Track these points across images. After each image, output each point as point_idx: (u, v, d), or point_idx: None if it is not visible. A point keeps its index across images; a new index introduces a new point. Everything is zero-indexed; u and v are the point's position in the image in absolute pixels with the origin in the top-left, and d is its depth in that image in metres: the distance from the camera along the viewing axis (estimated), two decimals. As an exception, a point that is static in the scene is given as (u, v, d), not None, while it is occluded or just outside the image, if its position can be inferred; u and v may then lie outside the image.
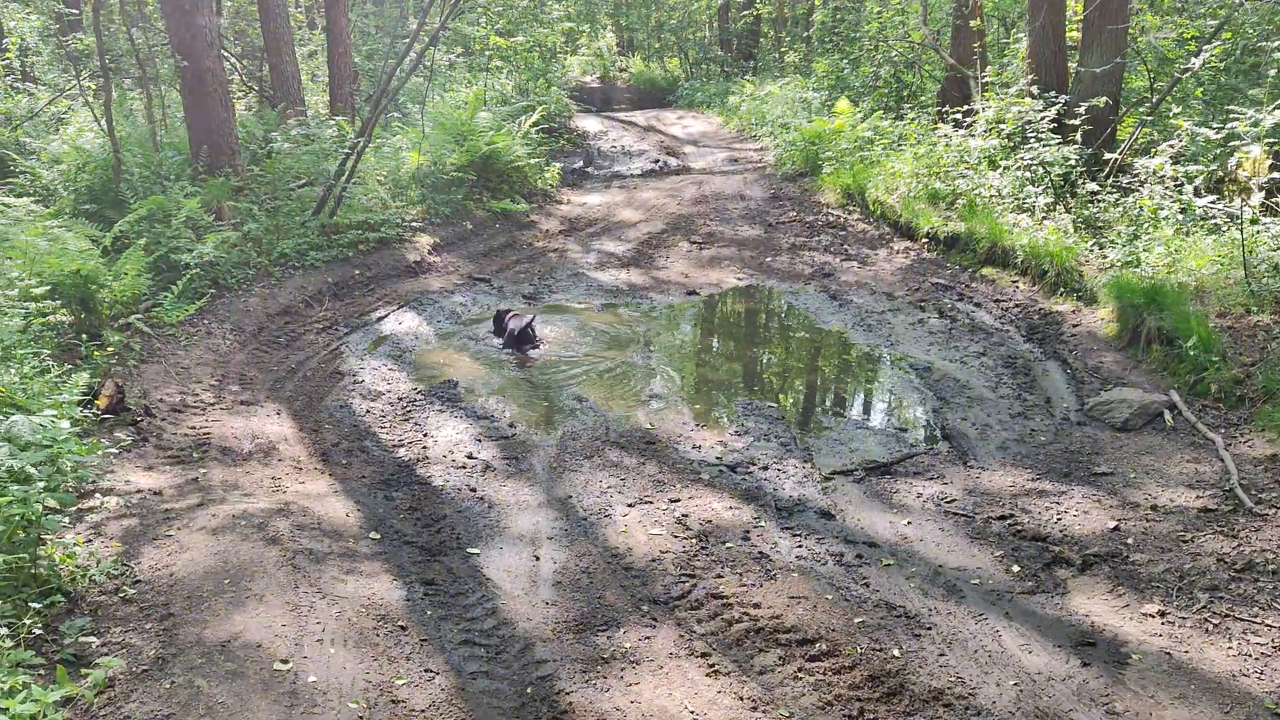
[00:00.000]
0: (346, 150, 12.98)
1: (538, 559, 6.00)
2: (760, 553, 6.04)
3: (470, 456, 7.63)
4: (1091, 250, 11.68)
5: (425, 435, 8.08)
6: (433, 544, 6.13)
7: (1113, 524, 6.32)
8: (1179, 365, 8.87)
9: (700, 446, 7.90)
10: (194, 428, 7.86)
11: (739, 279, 13.02)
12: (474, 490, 6.99)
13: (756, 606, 5.38)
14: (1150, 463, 7.35)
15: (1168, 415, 8.12)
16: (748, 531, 6.35)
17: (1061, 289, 11.35)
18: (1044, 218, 12.82)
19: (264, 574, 5.47)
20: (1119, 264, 11.30)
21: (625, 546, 6.15)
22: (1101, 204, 12.65)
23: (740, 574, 5.76)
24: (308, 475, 7.13)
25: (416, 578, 5.67)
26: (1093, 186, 12.66)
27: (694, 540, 6.20)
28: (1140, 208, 12.05)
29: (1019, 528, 6.35)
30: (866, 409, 9.00)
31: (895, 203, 14.75)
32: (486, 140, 15.54)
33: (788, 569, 5.85)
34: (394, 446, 7.83)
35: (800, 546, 6.15)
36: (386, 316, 11.28)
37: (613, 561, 5.96)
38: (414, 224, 13.57)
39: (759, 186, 17.30)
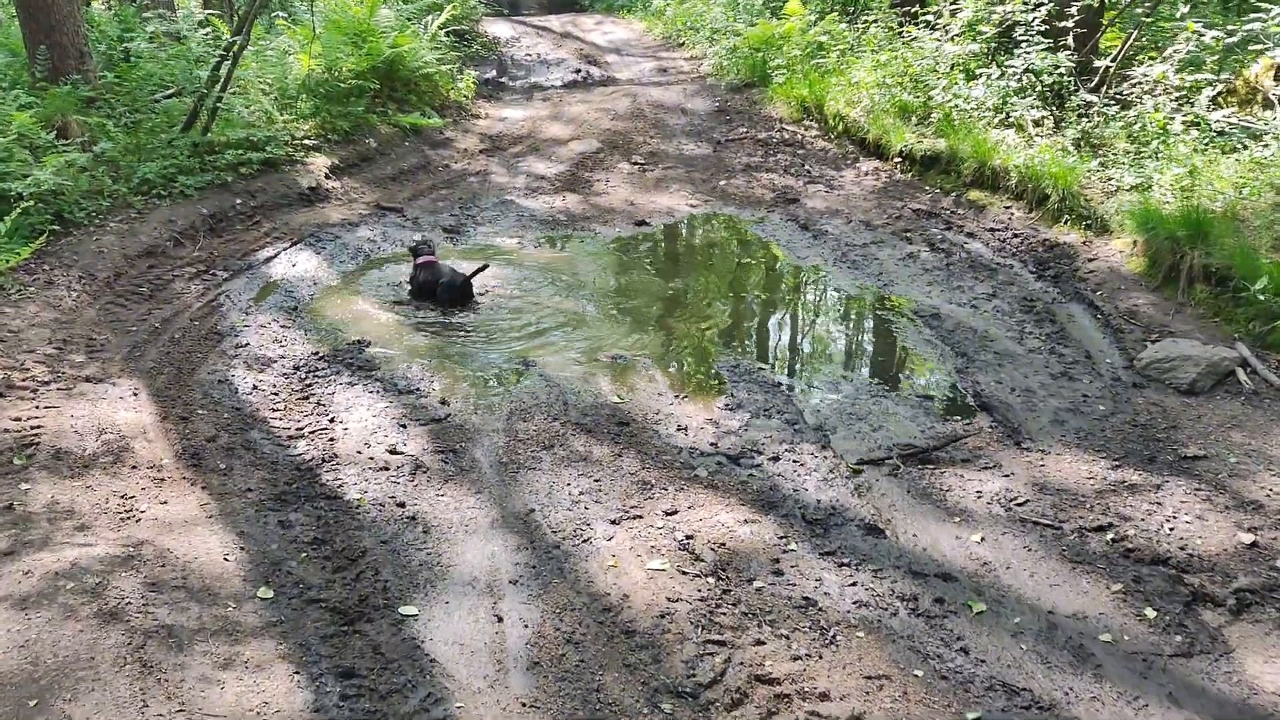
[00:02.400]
0: (221, 53, 10.69)
1: (500, 620, 4.31)
2: (804, 597, 4.46)
3: (394, 450, 5.85)
4: (1094, 172, 10.25)
5: (332, 420, 6.25)
6: (349, 602, 4.37)
7: (1247, 537, 4.90)
8: (1236, 311, 7.52)
9: (687, 428, 6.25)
10: (17, 420, 5.88)
11: (692, 205, 11.29)
12: (402, 506, 5.23)
13: (824, 698, 3.80)
14: (1245, 440, 5.98)
15: (1241, 374, 6.77)
16: (777, 560, 4.76)
17: (1066, 216, 9.92)
18: (1033, 134, 11.34)
19: (95, 681, 3.66)
20: (1129, 188, 9.92)
21: (619, 592, 4.50)
22: (1098, 118, 11.21)
23: (787, 636, 4.18)
24: (172, 490, 5.26)
25: (329, 666, 3.92)
26: (1088, 98, 11.19)
27: (710, 579, 4.58)
28: (1145, 123, 10.65)
29: (1127, 545, 4.90)
30: (877, 371, 7.45)
31: (859, 117, 13.10)
32: (389, 43, 13.31)
33: (848, 624, 4.28)
34: (291, 438, 5.99)
35: (854, 584, 4.59)
36: (276, 257, 9.25)
37: (605, 620, 4.31)
38: (307, 142, 11.41)
39: (701, 99, 15.44)
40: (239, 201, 10.09)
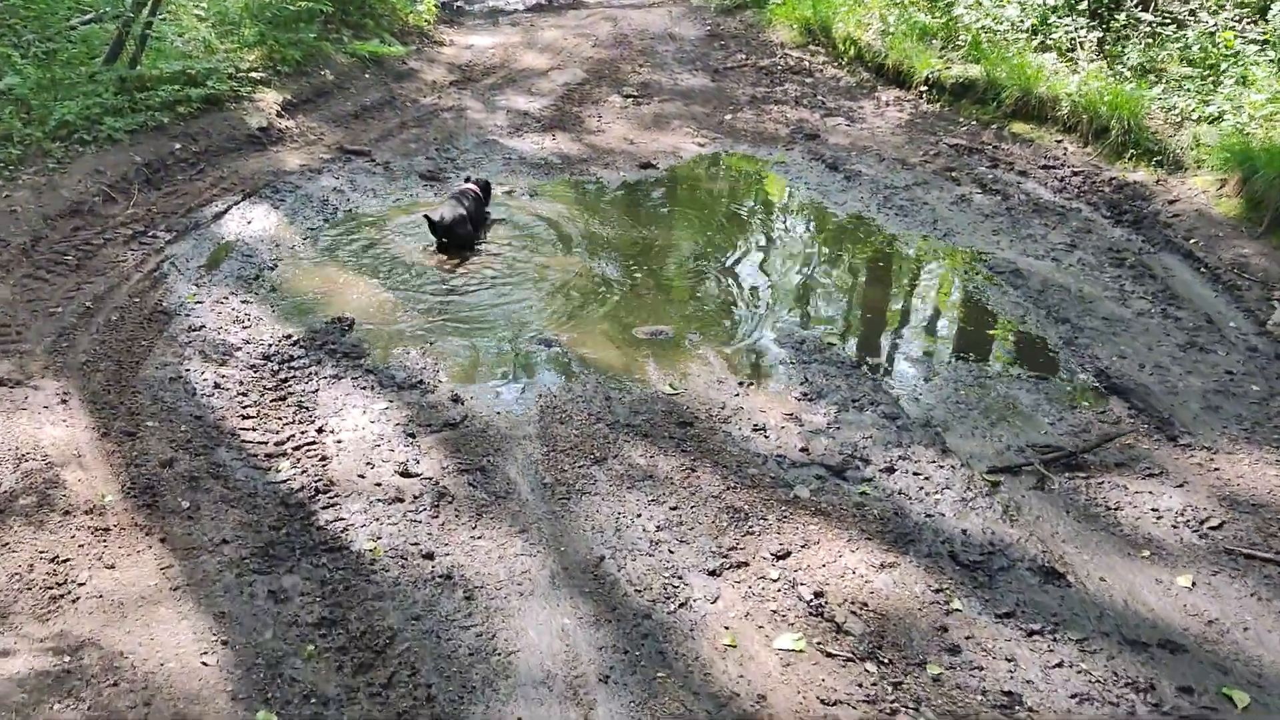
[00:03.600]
0: (146, -32, 9.04)
1: (603, 748, 3.10)
2: (1004, 692, 3.31)
3: (405, 472, 4.57)
4: (1156, 99, 9.10)
5: (320, 429, 4.94)
6: (385, 725, 3.13)
7: None
8: (1374, 264, 6.48)
9: (764, 427, 5.05)
10: (-95, 445, 4.49)
11: (700, 144, 9.95)
12: (431, 558, 3.97)
13: None
14: None
15: (1403, 341, 5.73)
16: (943, 629, 3.62)
17: (1131, 152, 8.79)
18: (1079, 58, 10.15)
19: None
20: (1200, 119, 8.80)
21: (750, 690, 3.33)
22: (1151, 39, 10.04)
23: (1005, 761, 3.03)
24: (121, 545, 3.94)
25: None
26: (1141, 15, 10.00)
27: (867, 665, 3.43)
28: (1210, 43, 9.50)
29: (1385, 588, 3.82)
30: (968, 343, 6.27)
31: (874, 41, 11.78)
32: (342, -41, 11.64)
33: (1078, 733, 3.15)
34: (270, 457, 4.68)
35: (1060, 664, 3.46)
36: (228, 212, 7.78)
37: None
38: (253, 75, 9.81)
39: (689, 23, 13.97)
40: (178, 146, 8.54)
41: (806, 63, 12.21)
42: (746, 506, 4.34)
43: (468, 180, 7.88)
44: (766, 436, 4.97)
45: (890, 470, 4.65)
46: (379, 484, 4.47)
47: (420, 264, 7.03)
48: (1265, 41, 9.12)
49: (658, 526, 4.19)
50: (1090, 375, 5.63)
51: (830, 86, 11.57)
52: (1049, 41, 10.43)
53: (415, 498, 4.36)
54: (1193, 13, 10.25)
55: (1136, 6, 10.54)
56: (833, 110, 10.83)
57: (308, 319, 6.16)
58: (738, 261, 7.34)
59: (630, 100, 11.17)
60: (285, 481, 4.46)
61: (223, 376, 5.40)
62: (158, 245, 7.07)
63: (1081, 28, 10.33)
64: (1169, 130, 8.86)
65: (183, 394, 5.19)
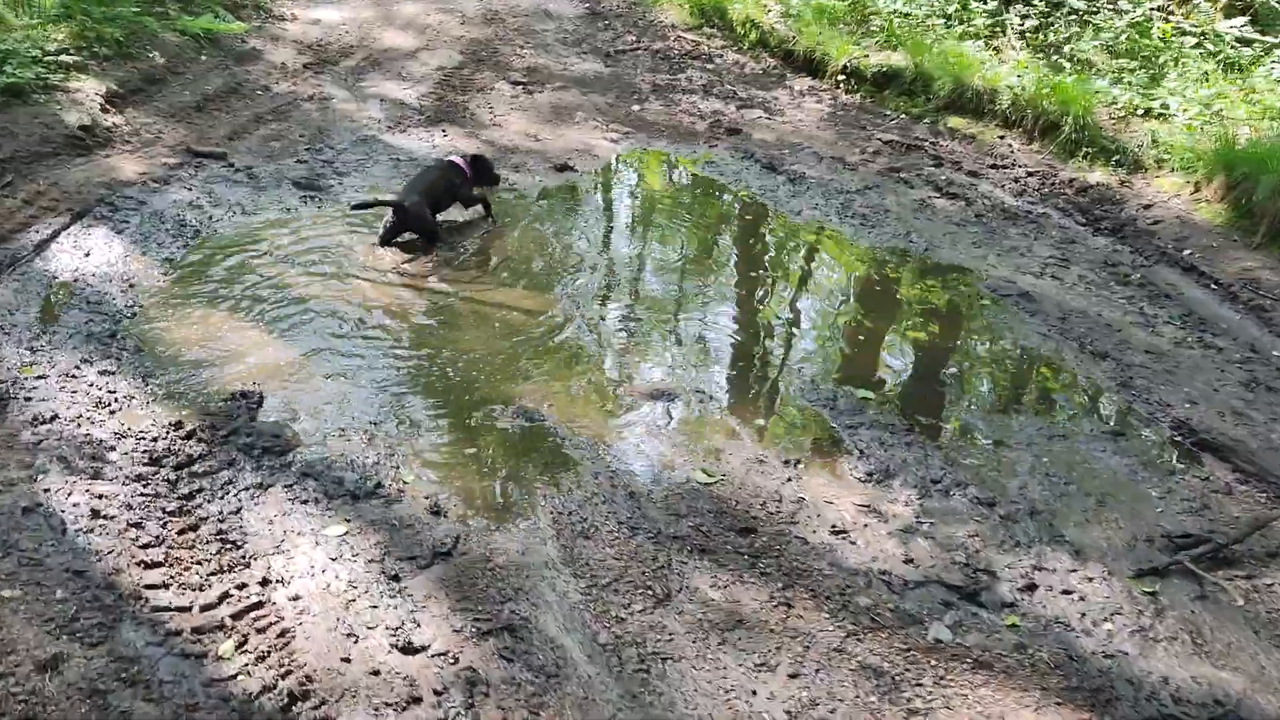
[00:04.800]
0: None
1: None
2: None
3: (407, 648, 3.26)
4: (1099, 95, 8.60)
5: (265, 580, 3.53)
6: None
7: None
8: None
9: (843, 528, 4.01)
10: None
11: (612, 140, 8.75)
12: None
13: None
14: None
15: None
16: None
17: (1086, 150, 8.22)
18: (1004, 46, 9.58)
19: None
20: (1142, 113, 8.35)
21: None
22: (1078, 28, 9.58)
23: None
24: None
25: None
26: (1078, 4, 9.51)
27: None
28: (1140, 34, 9.10)
29: None
30: (1016, 390, 5.41)
31: (778, 25, 10.87)
32: (161, -85, 9.67)
33: None
34: (202, 635, 3.24)
35: None
36: (55, 240, 6.03)
37: None
38: (64, 58, 7.87)
39: (565, 0, 12.65)
40: (-25, 153, 6.63)
41: (704, 47, 11.16)
42: (885, 664, 3.28)
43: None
44: (853, 542, 3.93)
45: (1031, 588, 3.70)
46: (377, 673, 3.13)
47: (324, 301, 5.57)
48: (1201, 33, 8.77)
49: (789, 713, 3.07)
50: (1169, 428, 4.87)
51: (736, 74, 10.58)
52: (970, 28, 9.79)
53: (438, 694, 3.06)
54: (1111, 3, 9.86)
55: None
56: (746, 101, 9.84)
57: (199, 394, 4.65)
58: (713, 290, 6.23)
59: (520, 88, 9.81)
60: (238, 680, 3.06)
61: (100, 499, 3.86)
62: (-37, 293, 5.30)
63: (1002, 14, 9.74)
64: (1116, 126, 8.35)
65: (48, 534, 3.64)
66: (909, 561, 3.83)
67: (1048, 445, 4.69)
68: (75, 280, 5.62)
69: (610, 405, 4.82)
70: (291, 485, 4.05)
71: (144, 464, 4.11)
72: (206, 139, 7.86)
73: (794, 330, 5.87)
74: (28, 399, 4.48)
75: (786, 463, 4.43)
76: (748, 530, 3.96)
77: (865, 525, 4.03)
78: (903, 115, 9.36)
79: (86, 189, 6.69)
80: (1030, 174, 8.16)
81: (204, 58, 9.36)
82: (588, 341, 5.40)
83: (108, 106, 7.78)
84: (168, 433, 4.33)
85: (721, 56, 10.97)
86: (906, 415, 4.89)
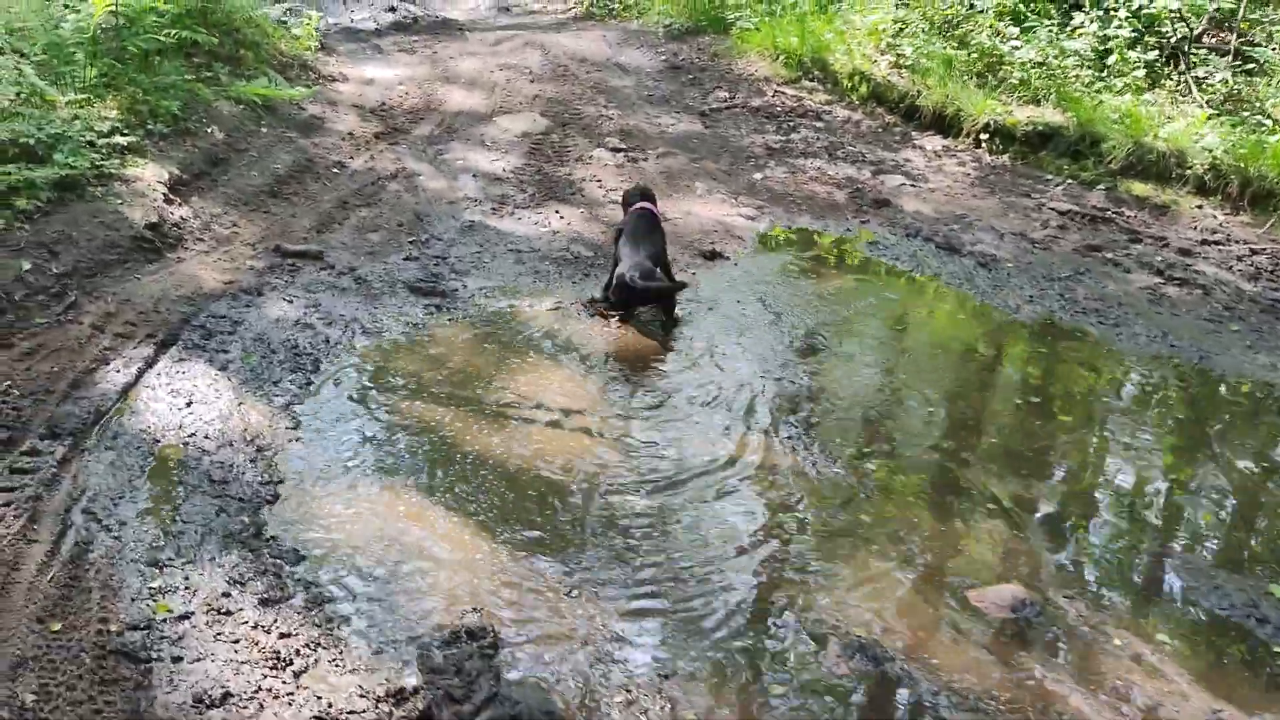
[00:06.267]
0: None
1: None
2: None
3: None
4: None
5: None
6: None
7: None
8: None
9: None
10: None
11: (748, 217, 7.57)
12: None
13: None
14: None
15: None
16: None
17: (1313, 224, 7.12)
18: (1156, 100, 8.50)
19: None
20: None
21: None
22: (1243, 79, 8.54)
23: None
24: None
25: None
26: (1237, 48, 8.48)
27: None
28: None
29: None
30: None
31: (893, 77, 9.76)
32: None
33: None
34: None
35: None
36: (142, 382, 4.70)
37: None
38: (119, 139, 6.53)
39: (636, 51, 11.47)
40: (28, 267, 5.27)
41: (808, 102, 10.02)
42: None
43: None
44: None
45: None
46: None
47: (538, 460, 4.27)
48: None
49: None
50: None
51: (853, 133, 9.43)
52: (1131, 80, 8.69)
53: None
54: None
55: (1197, 38, 9.06)
56: (878, 165, 8.69)
57: (406, 632, 3.34)
58: (994, 431, 4.98)
59: (622, 155, 8.60)
60: None
61: None
62: (40, 473, 3.93)
63: (1169, 63, 8.69)
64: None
65: None
66: None
67: None
68: (185, 445, 4.29)
69: (957, 624, 3.54)
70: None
71: (376, 773, 2.77)
72: (292, 233, 6.55)
73: (1138, 494, 4.58)
74: (177, 659, 3.13)
75: None
76: None
77: None
78: (1068, 180, 8.24)
79: (165, 306, 5.37)
80: (1255, 251, 7.05)
81: (264, 129, 8.06)
82: (869, 512, 4.13)
83: (172, 196, 6.45)
84: (390, 712, 2.99)
85: (830, 113, 9.82)
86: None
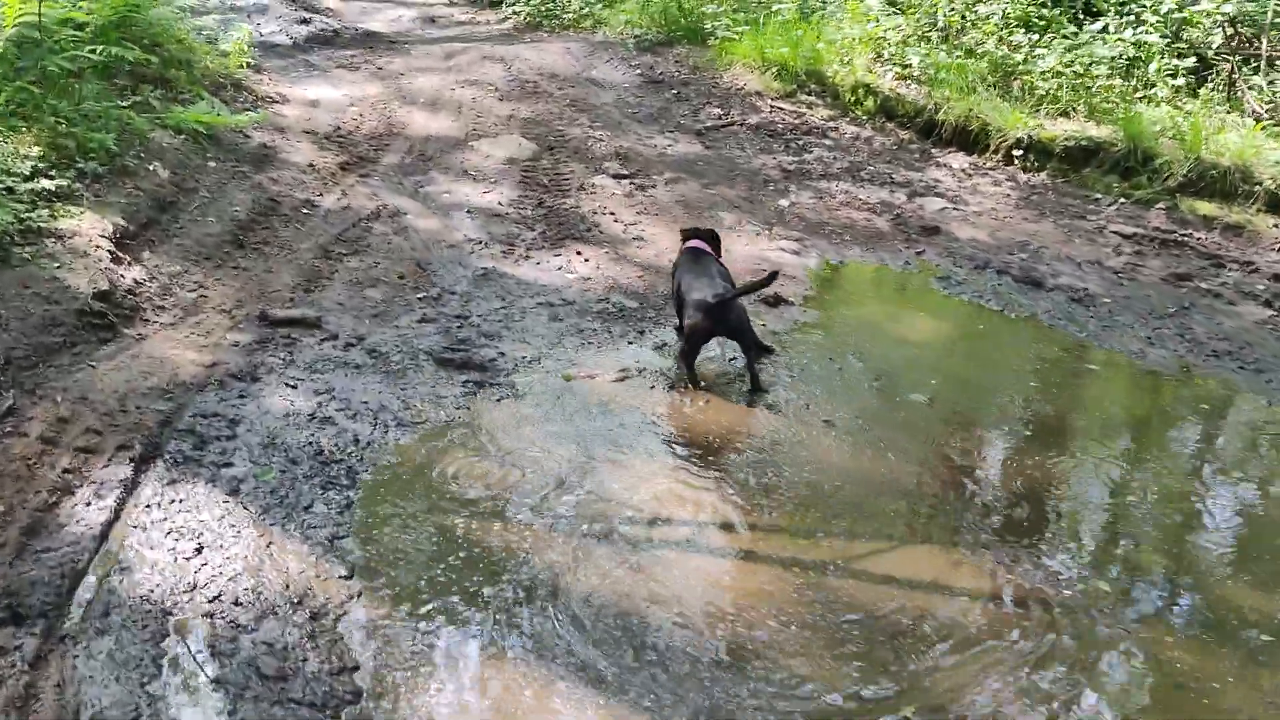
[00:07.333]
0: None
1: None
2: None
3: None
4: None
5: None
6: None
7: None
8: None
9: None
10: None
11: (791, 251, 6.64)
12: None
13: None
14: None
15: None
16: None
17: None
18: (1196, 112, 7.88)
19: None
20: None
21: None
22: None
23: None
24: None
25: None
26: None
27: None
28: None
29: None
30: None
31: (904, 90, 8.96)
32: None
33: None
34: None
35: None
36: (124, 519, 3.44)
37: None
38: (46, 183, 5.16)
39: (606, 65, 10.41)
40: (-54, 362, 3.93)
41: (810, 119, 9.13)
42: None
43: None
44: None
45: None
46: None
47: (710, 613, 3.20)
48: None
49: None
50: None
51: (866, 151, 8.59)
52: (1165, 91, 8.06)
53: None
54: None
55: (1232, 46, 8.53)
56: (910, 187, 7.87)
57: None
58: (1212, 537, 4.09)
59: (627, 182, 7.57)
60: None
61: None
62: (6, 687, 2.68)
63: (1187, 72, 8.08)
64: None
65: None
66: None
67: None
68: (211, 619, 3.08)
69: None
70: None
71: None
72: (273, 293, 5.30)
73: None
74: None
75: None
76: None
77: None
78: (1120, 200, 7.52)
79: (135, 403, 4.11)
80: (1348, 274, 6.42)
81: (211, 164, 6.73)
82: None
83: (119, 254, 5.12)
84: None
85: (836, 129, 8.96)
86: None
